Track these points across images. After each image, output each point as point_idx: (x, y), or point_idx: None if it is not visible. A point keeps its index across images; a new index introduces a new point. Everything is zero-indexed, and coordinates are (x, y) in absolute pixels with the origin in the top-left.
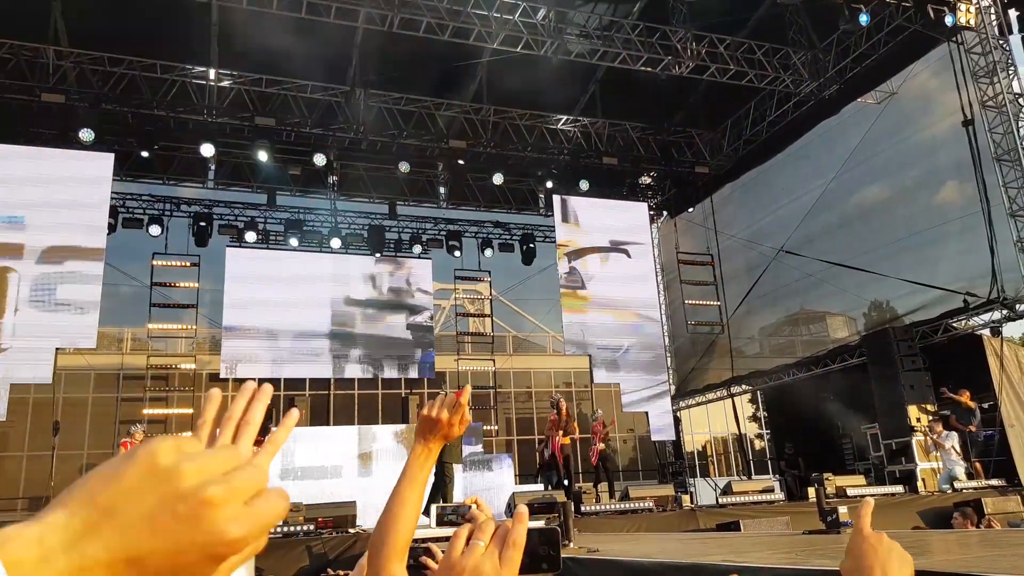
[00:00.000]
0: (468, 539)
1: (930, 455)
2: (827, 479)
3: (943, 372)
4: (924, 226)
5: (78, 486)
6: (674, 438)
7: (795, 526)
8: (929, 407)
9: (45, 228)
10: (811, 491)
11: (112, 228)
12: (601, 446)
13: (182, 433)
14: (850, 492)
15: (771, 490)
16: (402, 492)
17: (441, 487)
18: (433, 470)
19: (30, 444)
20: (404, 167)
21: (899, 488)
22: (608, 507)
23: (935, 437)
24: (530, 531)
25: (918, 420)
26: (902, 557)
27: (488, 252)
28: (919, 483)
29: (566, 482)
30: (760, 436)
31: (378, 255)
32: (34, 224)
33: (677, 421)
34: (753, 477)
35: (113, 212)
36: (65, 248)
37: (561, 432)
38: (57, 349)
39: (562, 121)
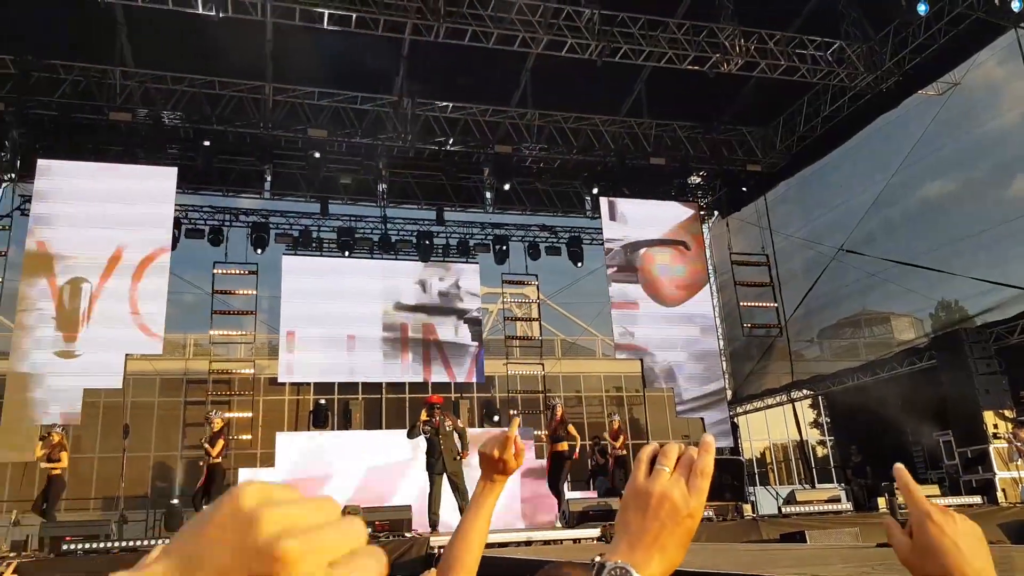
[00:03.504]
0: (652, 464)
1: (1011, 464)
2: (898, 489)
3: (1021, 375)
4: (995, 221)
5: (179, 532)
6: (732, 445)
7: (865, 538)
8: (1007, 412)
9: (115, 239)
10: (881, 501)
11: (176, 238)
12: (622, 452)
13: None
14: None
15: (837, 500)
16: (468, 521)
17: (458, 499)
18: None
19: (101, 446)
20: (449, 176)
21: (977, 499)
22: None
23: (1019, 445)
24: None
25: (995, 427)
26: (977, 534)
27: (535, 256)
28: (999, 493)
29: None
30: (822, 443)
31: (427, 260)
32: (105, 236)
33: (734, 427)
34: (817, 486)
35: (176, 223)
36: (133, 258)
37: (547, 437)
38: (127, 355)
39: (608, 122)
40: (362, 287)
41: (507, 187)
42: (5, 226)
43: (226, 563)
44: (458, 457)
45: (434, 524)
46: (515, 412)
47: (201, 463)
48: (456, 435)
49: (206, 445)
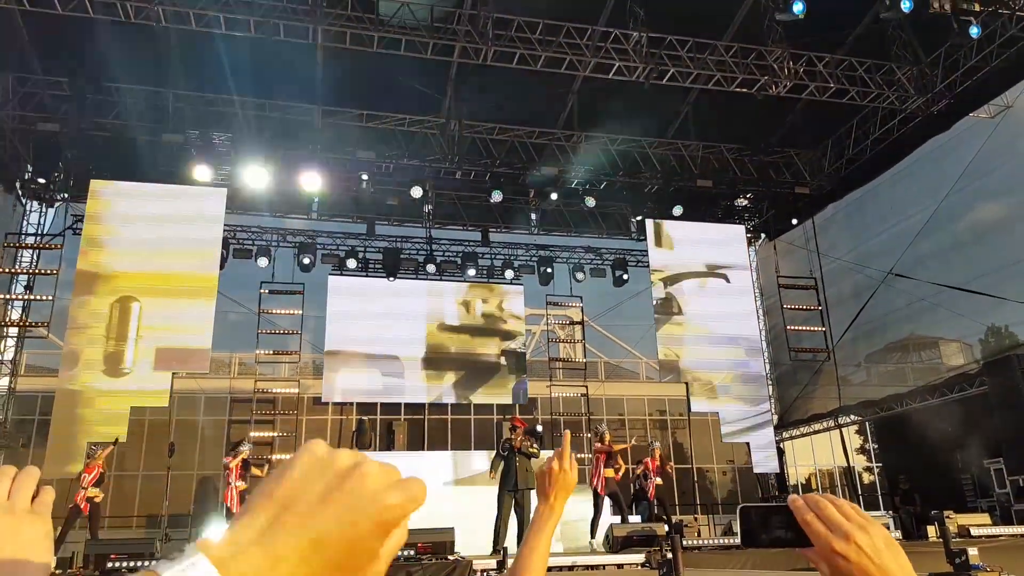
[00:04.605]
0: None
1: None
2: (948, 517)
3: None
4: None
5: (257, 491)
6: (777, 470)
7: (916, 567)
8: None
9: (165, 259)
10: (931, 530)
11: (224, 259)
12: (658, 481)
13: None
14: (974, 532)
15: (886, 528)
16: (529, 543)
17: (520, 518)
18: (513, 506)
19: (146, 463)
20: (496, 196)
21: None
22: (710, 542)
23: None
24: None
25: None
26: (889, 540)
27: (580, 276)
28: None
29: (617, 519)
30: (869, 469)
31: (471, 277)
32: (155, 256)
33: (780, 452)
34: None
35: (225, 243)
36: (182, 278)
37: (603, 465)
38: (173, 374)
39: (654, 145)
40: (406, 308)
41: (552, 209)
42: (57, 245)
43: (319, 489)
44: (529, 470)
45: (495, 545)
46: (565, 430)
47: (235, 486)
48: (530, 454)
49: (230, 464)
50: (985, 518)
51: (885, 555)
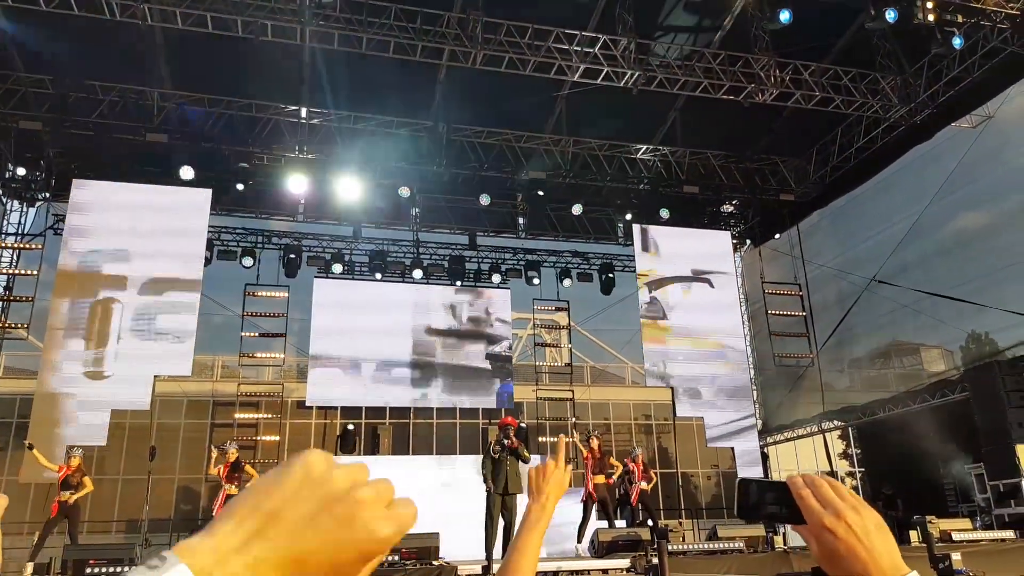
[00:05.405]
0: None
1: None
2: (930, 522)
3: None
4: None
5: (242, 498)
6: (762, 475)
7: None
8: None
9: (147, 261)
10: (913, 535)
11: (208, 260)
12: (643, 485)
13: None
14: (955, 536)
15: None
16: (519, 543)
17: (507, 521)
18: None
19: (126, 468)
20: (485, 200)
21: (1009, 533)
22: (695, 547)
23: None
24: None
25: None
26: (879, 522)
27: (567, 282)
28: None
29: (605, 524)
30: (851, 474)
31: (458, 284)
32: (137, 257)
33: (764, 457)
34: None
35: (209, 245)
36: (165, 280)
37: (593, 472)
38: (155, 376)
39: (642, 151)
40: (393, 311)
41: (540, 213)
42: (38, 245)
43: (310, 508)
44: (519, 474)
45: (489, 551)
46: (559, 434)
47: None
48: (523, 457)
49: (215, 472)
50: (966, 523)
51: (874, 536)
